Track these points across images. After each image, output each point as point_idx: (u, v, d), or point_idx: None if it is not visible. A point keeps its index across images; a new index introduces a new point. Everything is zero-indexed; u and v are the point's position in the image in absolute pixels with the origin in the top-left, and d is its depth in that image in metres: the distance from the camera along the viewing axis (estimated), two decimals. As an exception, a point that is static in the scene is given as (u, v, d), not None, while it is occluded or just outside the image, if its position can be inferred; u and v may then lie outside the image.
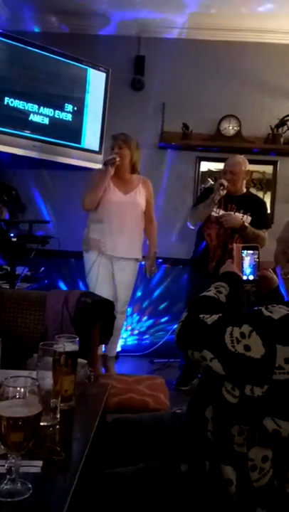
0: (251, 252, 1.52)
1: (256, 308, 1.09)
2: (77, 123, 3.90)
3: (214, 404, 1.12)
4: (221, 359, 1.05)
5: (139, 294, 4.16)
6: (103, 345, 3.08)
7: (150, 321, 4.20)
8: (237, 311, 1.16)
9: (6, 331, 2.04)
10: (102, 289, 2.98)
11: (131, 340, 4.20)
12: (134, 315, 4.20)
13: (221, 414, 1.10)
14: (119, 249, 3.13)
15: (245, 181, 3.28)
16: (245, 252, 1.51)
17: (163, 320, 4.15)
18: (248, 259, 1.51)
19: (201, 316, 1.14)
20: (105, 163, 3.04)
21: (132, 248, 3.19)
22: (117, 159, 3.02)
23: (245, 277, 1.49)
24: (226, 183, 3.09)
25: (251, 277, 1.50)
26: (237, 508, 1.05)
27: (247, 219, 3.17)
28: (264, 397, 1.01)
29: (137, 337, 4.21)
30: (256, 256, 1.52)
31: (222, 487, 1.06)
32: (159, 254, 4.11)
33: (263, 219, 3.24)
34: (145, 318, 4.20)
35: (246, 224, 3.12)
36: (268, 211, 3.64)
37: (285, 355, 0.99)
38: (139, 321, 4.21)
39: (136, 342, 4.19)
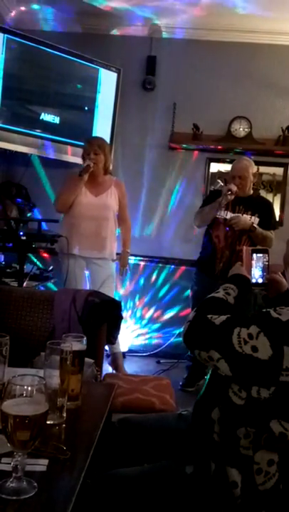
0: (261, 255, 1.51)
1: (264, 310, 1.09)
2: (87, 122, 3.91)
3: (221, 406, 1.11)
4: (228, 359, 1.05)
5: (146, 294, 4.17)
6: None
7: (157, 322, 4.19)
8: (245, 313, 1.16)
9: (14, 329, 2.05)
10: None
11: (138, 341, 4.20)
12: (142, 315, 4.20)
13: (227, 416, 1.09)
14: (92, 250, 3.16)
15: (252, 183, 3.28)
16: (254, 255, 1.50)
17: (170, 321, 4.15)
18: (257, 262, 1.50)
19: (209, 316, 1.14)
20: (80, 173, 3.04)
21: (105, 248, 3.20)
22: (91, 165, 3.04)
23: (254, 280, 1.48)
24: (234, 189, 3.08)
25: (260, 280, 1.49)
26: (241, 510, 1.05)
27: (255, 220, 3.16)
28: (271, 399, 1.00)
29: (144, 337, 4.21)
30: (266, 259, 1.51)
31: (227, 489, 1.06)
32: (167, 255, 4.14)
33: (270, 220, 3.24)
34: (152, 318, 4.20)
35: (255, 225, 3.12)
36: (276, 210, 3.61)
37: None
38: (146, 321, 4.20)
39: (143, 342, 4.19)
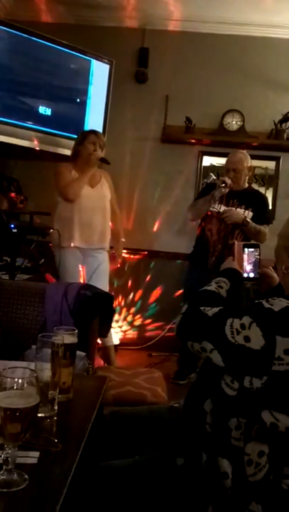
0: (252, 249, 1.51)
1: (257, 301, 1.10)
2: (79, 114, 3.88)
3: (213, 398, 1.12)
4: (220, 350, 1.06)
5: (139, 287, 4.17)
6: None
7: (149, 314, 4.20)
8: (237, 306, 1.17)
9: (5, 322, 2.04)
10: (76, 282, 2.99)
11: (130, 334, 4.20)
12: (133, 308, 4.21)
13: (219, 407, 1.10)
14: (90, 240, 3.18)
15: (247, 177, 3.27)
16: (246, 249, 1.51)
17: (162, 314, 4.15)
18: (249, 256, 1.50)
19: (202, 308, 1.15)
20: (92, 160, 3.12)
21: (103, 239, 3.24)
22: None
23: (245, 275, 1.49)
24: (229, 182, 3.08)
25: (252, 275, 1.50)
26: (232, 501, 1.06)
27: (248, 214, 3.16)
28: (263, 389, 1.01)
29: (135, 330, 4.21)
30: (257, 253, 1.51)
31: (218, 480, 1.07)
32: (160, 248, 4.13)
33: (264, 214, 3.24)
34: (144, 311, 4.20)
35: (248, 219, 3.12)
36: (270, 207, 3.63)
37: (285, 347, 1.00)
38: (137, 314, 4.21)
39: (135, 335, 4.20)
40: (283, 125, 3.91)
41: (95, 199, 3.19)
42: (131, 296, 4.20)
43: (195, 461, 1.14)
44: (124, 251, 3.67)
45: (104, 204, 3.24)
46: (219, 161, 3.98)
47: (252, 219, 3.14)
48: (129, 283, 4.18)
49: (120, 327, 4.16)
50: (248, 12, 3.78)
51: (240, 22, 3.90)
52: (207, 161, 4.13)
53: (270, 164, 4.08)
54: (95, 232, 3.19)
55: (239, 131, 3.97)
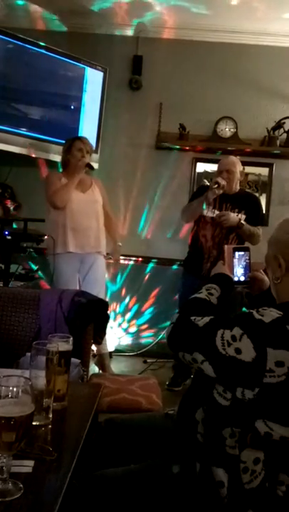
0: (242, 253, 1.51)
1: (247, 311, 1.09)
2: (73, 122, 3.89)
3: (205, 407, 1.12)
4: (211, 362, 1.05)
5: (134, 294, 4.17)
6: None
7: (144, 321, 4.19)
8: (229, 313, 1.16)
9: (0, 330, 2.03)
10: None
11: (125, 341, 4.19)
12: (128, 315, 4.20)
13: (212, 417, 1.10)
14: (85, 246, 3.18)
15: (239, 181, 3.29)
16: (236, 253, 1.50)
17: (157, 320, 4.15)
18: (239, 260, 1.50)
19: (193, 318, 1.14)
20: (79, 165, 3.13)
21: (98, 243, 3.24)
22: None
23: (236, 278, 1.48)
24: (222, 182, 3.09)
25: (242, 278, 1.50)
26: (228, 509, 1.05)
27: (242, 217, 3.17)
28: (255, 400, 1.01)
29: (130, 337, 4.20)
30: (247, 257, 1.51)
31: (213, 489, 1.06)
32: (155, 254, 4.14)
33: (257, 216, 3.26)
34: (139, 318, 4.20)
35: (243, 222, 3.13)
36: (263, 208, 3.63)
37: (276, 359, 0.99)
38: (132, 320, 4.20)
39: (130, 342, 4.19)
40: (276, 132, 3.94)
41: (87, 204, 3.20)
42: (126, 302, 4.19)
43: (190, 469, 1.13)
44: (121, 257, 3.66)
45: (96, 208, 3.24)
46: (213, 168, 3.99)
47: (246, 221, 3.15)
48: (124, 289, 4.18)
49: (115, 333, 4.15)
50: (241, 20, 3.82)
51: (233, 30, 3.94)
52: (201, 167, 4.15)
53: (264, 171, 4.11)
54: (89, 237, 3.19)
55: (232, 138, 3.99)
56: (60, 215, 3.13)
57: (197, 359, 1.08)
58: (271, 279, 1.24)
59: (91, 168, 3.24)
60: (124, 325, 4.21)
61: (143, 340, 4.17)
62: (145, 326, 4.19)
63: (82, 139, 3.25)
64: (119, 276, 4.10)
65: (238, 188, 3.29)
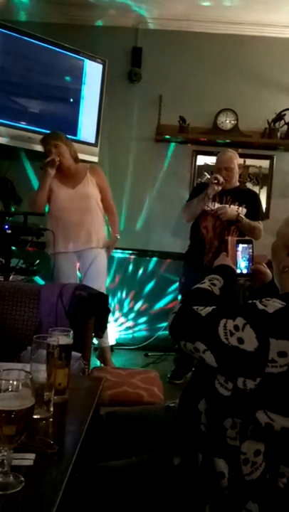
0: (246, 245, 1.51)
1: (250, 302, 1.09)
2: (73, 114, 3.88)
3: (207, 398, 1.12)
4: (213, 351, 1.05)
5: (134, 287, 4.17)
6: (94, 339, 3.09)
7: (145, 315, 4.20)
8: (231, 304, 1.16)
9: (0, 324, 2.03)
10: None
11: (126, 334, 4.20)
12: (129, 308, 4.20)
13: (213, 407, 1.10)
14: (79, 242, 3.16)
15: (237, 174, 3.29)
16: (240, 245, 1.50)
17: (158, 313, 4.15)
18: (242, 252, 1.50)
19: (195, 307, 1.14)
20: (45, 165, 3.05)
21: (91, 239, 3.19)
22: (57, 159, 3.04)
23: (239, 271, 1.48)
24: (221, 179, 3.10)
25: (245, 271, 1.50)
26: (229, 501, 1.05)
27: (242, 211, 3.18)
28: (256, 390, 1.01)
29: (131, 330, 4.21)
30: (250, 249, 1.51)
31: (214, 480, 1.07)
32: (154, 248, 4.13)
33: (257, 211, 3.26)
34: (140, 311, 4.20)
35: (241, 216, 3.13)
36: (262, 203, 3.63)
37: (279, 349, 0.99)
38: (133, 314, 4.21)
39: (131, 335, 4.20)
40: (277, 124, 3.92)
41: (77, 200, 3.13)
42: (126, 295, 4.19)
43: (191, 461, 1.13)
44: (119, 251, 3.65)
45: (88, 203, 3.17)
46: (213, 160, 3.97)
47: (246, 216, 3.16)
48: (124, 283, 4.18)
49: (116, 327, 4.16)
50: (242, 11, 3.79)
51: (233, 21, 3.91)
52: (201, 160, 4.14)
53: (264, 163, 4.09)
54: (79, 234, 3.15)
55: (233, 130, 3.97)
56: (52, 214, 3.14)
57: (199, 348, 1.08)
58: (276, 268, 1.24)
59: (52, 165, 3.07)
60: (125, 318, 4.21)
61: (144, 334, 4.17)
62: (146, 319, 4.19)
63: (42, 140, 3.18)
64: (118, 269, 4.09)
65: (237, 182, 3.30)
